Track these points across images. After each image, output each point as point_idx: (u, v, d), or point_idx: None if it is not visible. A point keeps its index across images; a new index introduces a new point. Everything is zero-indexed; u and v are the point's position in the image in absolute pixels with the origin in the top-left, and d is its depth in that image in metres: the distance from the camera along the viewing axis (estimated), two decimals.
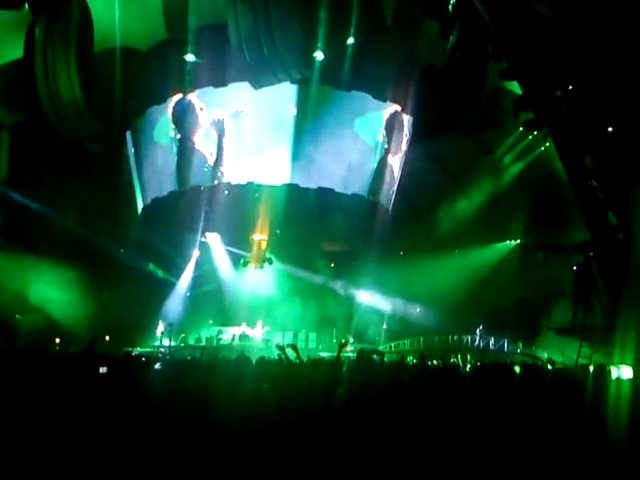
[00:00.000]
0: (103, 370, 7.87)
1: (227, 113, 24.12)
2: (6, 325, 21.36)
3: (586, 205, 12.91)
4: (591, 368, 10.81)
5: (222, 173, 24.74)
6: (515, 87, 16.52)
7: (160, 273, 26.32)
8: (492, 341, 23.33)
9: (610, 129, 12.42)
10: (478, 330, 23.52)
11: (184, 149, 24.69)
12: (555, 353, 17.69)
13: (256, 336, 24.88)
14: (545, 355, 18.68)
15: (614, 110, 12.45)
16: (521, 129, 21.99)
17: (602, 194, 12.48)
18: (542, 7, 12.96)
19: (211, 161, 24.70)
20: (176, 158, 24.93)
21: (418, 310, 25.35)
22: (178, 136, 24.79)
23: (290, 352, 9.38)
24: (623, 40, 12.00)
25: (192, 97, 24.19)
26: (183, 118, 24.44)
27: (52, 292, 22.39)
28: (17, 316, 22.55)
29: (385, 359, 14.15)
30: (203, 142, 24.61)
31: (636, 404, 6.29)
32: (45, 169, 24.22)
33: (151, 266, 26.01)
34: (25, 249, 22.14)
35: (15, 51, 20.75)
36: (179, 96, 24.23)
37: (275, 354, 14.53)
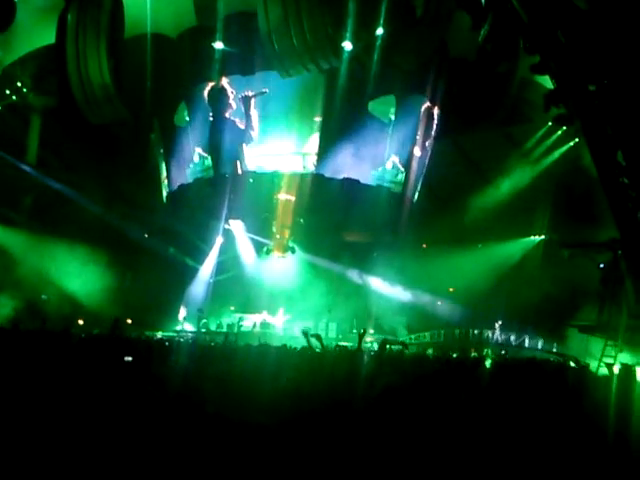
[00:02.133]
0: (128, 359, 7.95)
1: (254, 95, 24.45)
2: (33, 305, 21.80)
3: (616, 203, 12.71)
4: (616, 368, 10.72)
5: (251, 155, 25.00)
6: (545, 81, 16.29)
7: (183, 259, 26.52)
8: (513, 337, 23.19)
9: None
10: (497, 325, 23.40)
11: (216, 130, 24.85)
12: (578, 351, 17.53)
13: (277, 324, 25.02)
14: (568, 353, 18.52)
15: None
16: (550, 124, 21.75)
17: (634, 192, 12.29)
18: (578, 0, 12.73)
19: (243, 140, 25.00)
20: (207, 139, 25.21)
21: (440, 303, 25.26)
22: (210, 119, 24.98)
23: (314, 341, 9.50)
24: None
25: (224, 82, 24.51)
26: (216, 102, 24.71)
27: (76, 274, 22.71)
28: (43, 296, 22.93)
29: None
30: (233, 123, 24.83)
31: None
32: (73, 153, 24.52)
33: (171, 250, 26.17)
34: (52, 231, 22.49)
35: (47, 37, 21.03)
36: (212, 82, 24.56)
37: (297, 343, 14.66)
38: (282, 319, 25.32)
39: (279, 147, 25.14)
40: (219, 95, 24.53)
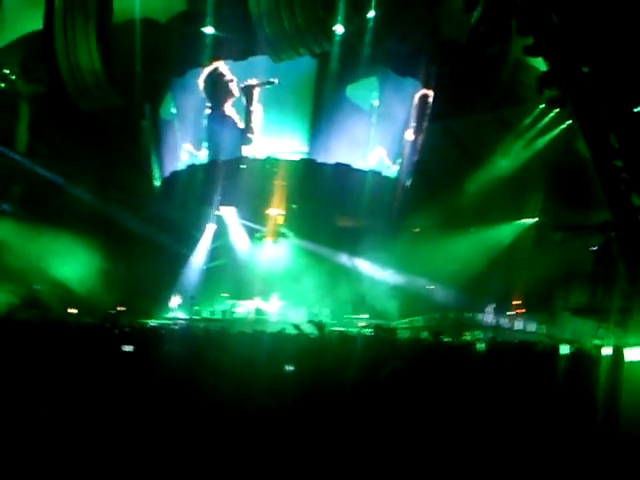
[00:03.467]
0: (128, 349, 7.89)
1: (256, 83, 23.49)
2: (26, 295, 21.71)
3: (609, 185, 12.69)
4: (607, 350, 10.80)
5: (251, 142, 24.39)
6: (538, 63, 16.23)
7: (176, 246, 26.40)
8: (506, 319, 23.33)
9: (638, 108, 12.17)
10: (490, 308, 23.54)
11: (215, 118, 24.34)
12: (570, 333, 17.66)
13: (270, 310, 25.02)
14: (560, 335, 18.66)
15: None
16: (542, 106, 21.70)
17: (627, 174, 12.28)
18: None
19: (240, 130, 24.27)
20: (207, 127, 24.58)
21: (433, 287, 25.34)
22: (208, 106, 24.32)
23: (308, 327, 9.55)
24: None
25: (222, 68, 23.59)
26: (214, 89, 23.89)
27: (69, 263, 22.59)
28: (35, 286, 22.83)
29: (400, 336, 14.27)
30: (233, 111, 24.13)
31: None
32: (64, 141, 24.30)
33: (164, 237, 26.06)
34: (43, 220, 22.32)
35: (35, 22, 20.75)
36: (208, 67, 23.71)
37: (292, 329, 14.70)
38: (276, 305, 25.32)
39: (280, 145, 24.48)
40: (217, 82, 23.53)
